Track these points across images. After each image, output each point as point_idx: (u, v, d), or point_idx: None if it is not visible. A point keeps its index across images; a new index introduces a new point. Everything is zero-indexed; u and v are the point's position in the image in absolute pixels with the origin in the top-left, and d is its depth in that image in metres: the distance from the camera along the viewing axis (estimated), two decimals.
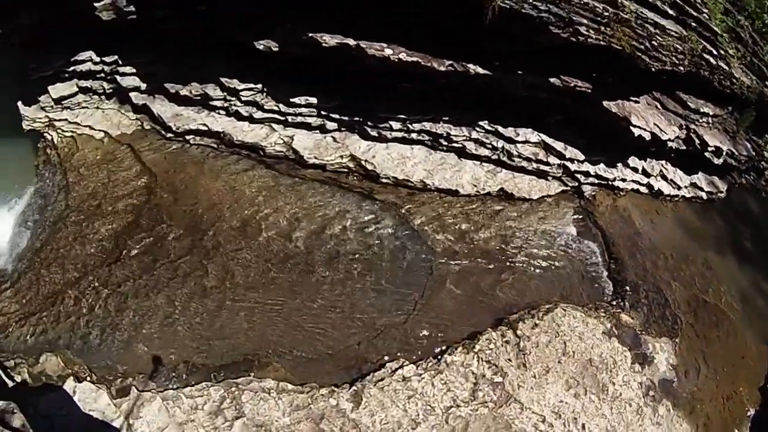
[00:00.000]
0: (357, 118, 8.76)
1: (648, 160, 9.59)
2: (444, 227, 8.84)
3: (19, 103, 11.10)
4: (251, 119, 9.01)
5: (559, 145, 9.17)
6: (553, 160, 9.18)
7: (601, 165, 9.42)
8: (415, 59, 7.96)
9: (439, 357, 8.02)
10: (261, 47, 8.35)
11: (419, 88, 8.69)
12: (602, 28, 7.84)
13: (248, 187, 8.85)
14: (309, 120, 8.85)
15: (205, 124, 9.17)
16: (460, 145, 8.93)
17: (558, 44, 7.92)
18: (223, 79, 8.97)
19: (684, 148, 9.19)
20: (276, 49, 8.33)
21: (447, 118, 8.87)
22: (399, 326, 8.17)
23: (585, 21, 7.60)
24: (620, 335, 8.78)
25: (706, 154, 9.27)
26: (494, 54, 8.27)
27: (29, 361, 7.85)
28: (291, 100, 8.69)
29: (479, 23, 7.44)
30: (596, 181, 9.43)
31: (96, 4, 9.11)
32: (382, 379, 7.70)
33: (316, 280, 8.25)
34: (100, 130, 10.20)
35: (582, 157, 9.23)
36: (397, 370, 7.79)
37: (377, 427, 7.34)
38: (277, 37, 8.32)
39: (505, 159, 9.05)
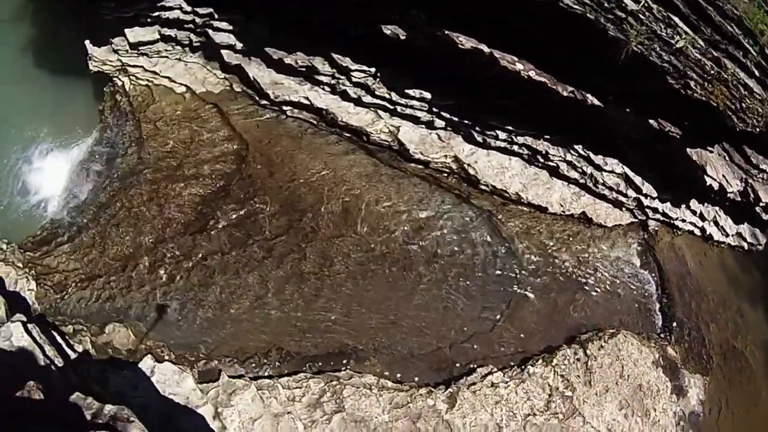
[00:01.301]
0: (466, 121, 8.56)
1: (706, 204, 10.35)
2: (531, 241, 8.93)
3: (87, 42, 9.94)
4: (358, 102, 8.50)
5: (638, 180, 9.59)
6: (630, 192, 9.59)
7: (668, 203, 9.99)
8: (542, 80, 7.92)
9: (523, 367, 8.18)
10: (388, 32, 7.87)
11: (528, 102, 8.70)
12: (706, 84, 8.31)
13: (349, 171, 8.37)
14: (418, 114, 8.52)
15: (307, 98, 8.52)
16: (555, 165, 9.05)
17: (666, 91, 8.33)
18: (335, 55, 8.37)
19: (739, 199, 10.02)
20: (403, 38, 7.92)
21: (548, 137, 8.95)
22: (486, 333, 8.18)
23: (695, 76, 8.02)
24: (665, 366, 9.44)
25: (757, 208, 10.18)
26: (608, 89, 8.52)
27: (92, 330, 7.07)
28: (405, 90, 8.32)
29: (608, 61, 7.60)
30: (661, 218, 9.99)
31: None
32: (474, 384, 7.70)
33: (414, 278, 8.02)
34: (181, 84, 9.21)
35: (655, 193, 9.72)
36: (486, 375, 7.82)
37: (467, 428, 7.34)
38: (406, 26, 7.92)
39: (590, 185, 9.32)
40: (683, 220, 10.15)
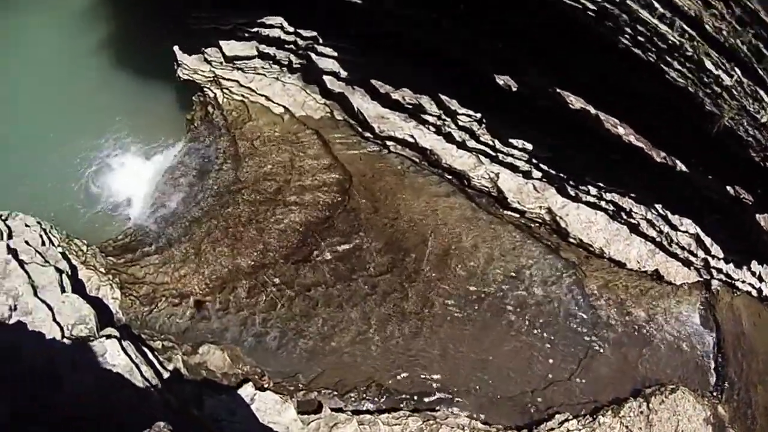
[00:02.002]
0: (561, 174, 9.18)
1: (765, 266, 11.25)
2: (609, 295, 9.61)
3: (176, 48, 10.21)
4: (462, 145, 9.00)
5: (708, 240, 10.37)
6: (700, 252, 10.36)
7: (732, 264, 10.84)
8: (640, 145, 8.60)
9: (594, 416, 8.91)
10: (501, 82, 8.42)
11: (621, 161, 9.39)
12: None
13: (449, 214, 8.88)
14: (518, 163, 9.07)
15: (412, 136, 8.99)
16: (636, 222, 9.75)
17: (746, 161, 9.13)
18: (442, 96, 8.86)
19: None
20: (514, 90, 8.47)
21: (633, 195, 9.65)
22: (564, 381, 8.87)
23: None
24: (714, 424, 10.31)
25: None
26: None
27: (184, 348, 7.33)
28: (509, 139, 8.88)
29: (701, 132, 8.34)
30: (724, 278, 10.80)
31: None
32: (552, 429, 8.38)
33: (504, 324, 8.60)
34: (279, 105, 9.54)
35: (722, 254, 10.53)
36: (563, 422, 8.49)
37: None
38: (518, 78, 8.46)
39: (665, 243, 10.05)
40: (743, 281, 11.00)
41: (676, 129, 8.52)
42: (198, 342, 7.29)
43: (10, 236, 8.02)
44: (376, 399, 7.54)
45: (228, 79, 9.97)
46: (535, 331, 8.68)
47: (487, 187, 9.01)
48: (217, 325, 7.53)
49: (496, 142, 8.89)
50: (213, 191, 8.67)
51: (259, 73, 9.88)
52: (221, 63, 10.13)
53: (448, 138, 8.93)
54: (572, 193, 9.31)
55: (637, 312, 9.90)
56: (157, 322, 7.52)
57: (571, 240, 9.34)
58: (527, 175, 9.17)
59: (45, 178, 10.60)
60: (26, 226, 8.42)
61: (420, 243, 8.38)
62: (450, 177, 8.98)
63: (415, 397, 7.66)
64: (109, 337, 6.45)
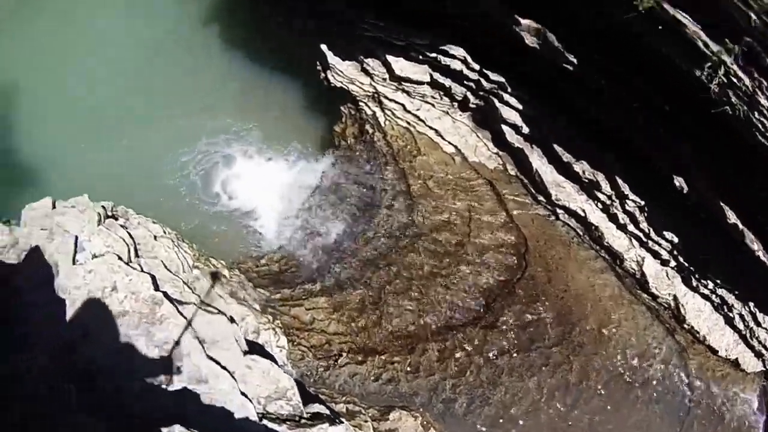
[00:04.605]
0: (691, 267, 11.65)
1: None
2: (703, 378, 12.45)
3: (325, 49, 10.58)
4: (622, 227, 10.93)
5: None
6: None
7: None
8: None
9: None
10: (677, 183, 10.58)
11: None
12: None
13: (602, 290, 10.75)
14: (661, 251, 11.25)
15: (583, 210, 10.67)
16: (732, 316, 12.66)
17: None
18: (618, 179, 10.74)
19: None
20: (684, 192, 10.67)
21: (737, 292, 12.53)
22: None
23: None
24: None
25: None
26: None
27: (370, 412, 8.03)
28: (663, 231, 11.07)
29: None
30: None
31: (520, 30, 10.12)
32: None
33: (632, 398, 10.84)
34: (449, 143, 10.58)
35: None
36: None
37: None
38: (690, 183, 10.63)
39: (748, 336, 13.12)
40: None
41: None
42: (386, 406, 8.07)
43: (136, 251, 8.05)
44: None
45: (391, 100, 10.74)
46: (653, 406, 11.17)
47: (633, 270, 11.16)
48: (405, 389, 8.38)
49: (651, 230, 11.06)
50: (386, 231, 9.52)
51: (427, 102, 10.83)
52: (385, 79, 10.87)
53: (612, 218, 10.87)
54: (694, 284, 11.86)
55: (717, 392, 12.97)
56: (337, 381, 8.10)
57: (685, 325, 11.96)
58: (665, 262, 11.51)
59: (165, 180, 10.62)
60: (154, 238, 8.57)
61: (581, 317, 10.25)
62: (605, 255, 11.00)
63: None
64: (332, 421, 5.98)
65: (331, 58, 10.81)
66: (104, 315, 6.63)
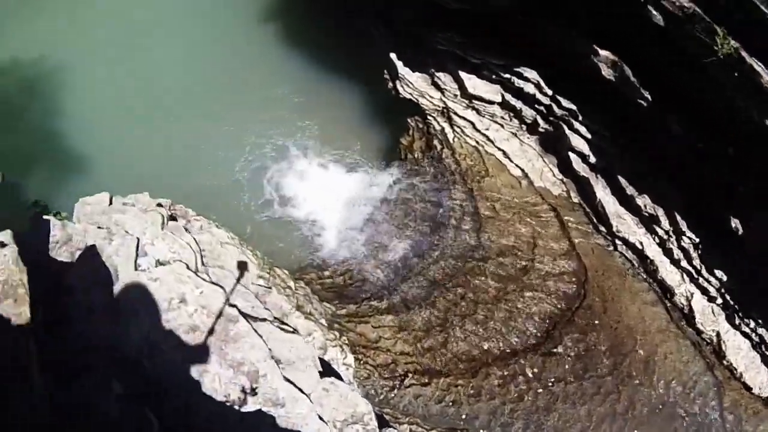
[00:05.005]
0: (735, 305, 12.16)
1: None
2: (735, 413, 13.04)
3: (395, 58, 10.82)
4: (676, 262, 11.40)
5: None
6: None
7: None
8: None
9: None
10: (732, 224, 11.03)
11: None
12: None
13: (652, 323, 11.18)
14: (710, 288, 11.76)
15: (641, 243, 11.04)
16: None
17: None
18: (677, 215, 11.16)
19: None
20: (738, 233, 11.13)
21: None
22: None
23: None
24: None
25: None
26: None
27: None
28: (714, 269, 11.53)
29: None
30: None
31: (598, 61, 10.45)
32: None
33: (671, 430, 11.42)
34: (517, 166, 10.93)
35: None
36: None
37: None
38: (745, 225, 11.09)
39: None
40: None
41: None
42: (448, 428, 8.36)
43: (202, 259, 7.86)
44: None
45: (461, 117, 11.04)
46: None
47: (682, 304, 11.63)
48: (467, 412, 8.69)
49: (703, 267, 11.54)
50: (453, 252, 9.88)
51: (496, 122, 11.15)
52: (456, 96, 11.16)
53: (668, 253, 11.28)
54: (737, 322, 12.41)
55: (749, 429, 13.59)
56: (401, 401, 8.32)
57: (724, 362, 12.51)
58: (712, 299, 11.99)
59: (221, 180, 10.81)
60: (220, 245, 8.69)
61: (632, 348, 10.70)
62: (657, 288, 11.47)
63: None
64: None
65: (401, 69, 11.04)
66: (171, 328, 6.43)
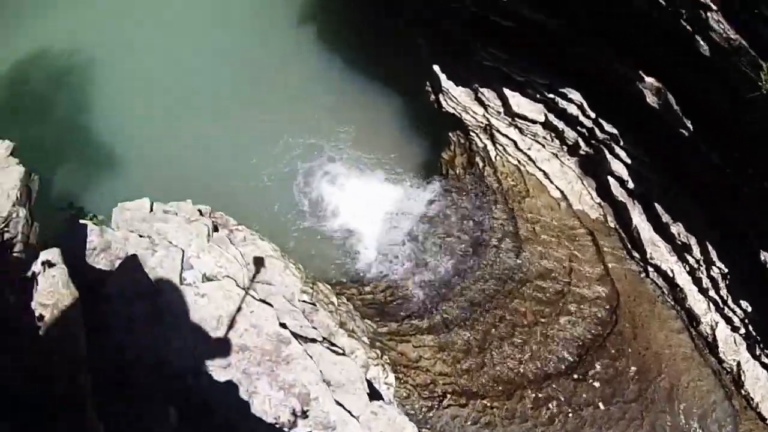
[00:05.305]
0: (758, 336, 12.49)
1: None
2: None
3: (438, 70, 10.87)
4: (704, 291, 11.69)
5: None
6: None
7: None
8: None
9: None
10: (762, 258, 11.31)
11: None
12: None
13: (677, 350, 11.44)
14: (734, 318, 12.08)
15: (672, 270, 11.27)
16: None
17: None
18: (708, 244, 11.42)
19: None
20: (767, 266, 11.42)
21: None
22: None
23: None
24: None
25: None
26: None
27: None
28: (740, 299, 11.83)
29: None
30: None
31: (643, 87, 10.64)
32: None
33: None
34: (557, 188, 11.10)
35: None
36: None
37: None
38: None
39: None
40: None
41: None
42: None
43: (252, 275, 7.75)
44: None
45: (504, 135, 11.16)
46: None
47: (707, 333, 11.91)
48: None
49: (729, 298, 11.84)
50: (494, 273, 10.03)
51: (538, 142, 11.29)
52: (499, 113, 11.28)
53: (697, 281, 11.56)
54: (757, 352, 12.76)
55: None
56: (439, 421, 8.45)
57: (742, 391, 12.86)
58: (735, 329, 12.32)
59: (257, 186, 10.79)
60: (266, 258, 8.54)
61: (657, 375, 10.95)
62: (684, 316, 11.75)
63: None
64: None
65: (445, 82, 11.09)
66: (220, 347, 6.40)
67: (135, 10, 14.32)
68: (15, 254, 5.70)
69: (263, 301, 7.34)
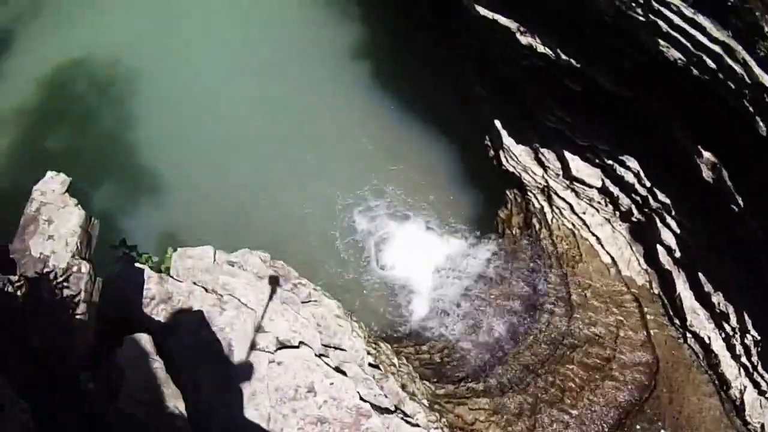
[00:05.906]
0: None
1: None
2: None
3: (500, 126, 11.34)
4: (737, 357, 12.51)
5: None
6: None
7: None
8: None
9: None
10: None
11: None
12: None
13: (707, 414, 12.33)
14: (762, 383, 12.96)
15: (709, 338, 12.04)
16: None
17: None
18: (746, 314, 12.19)
19: None
20: None
21: None
22: None
23: None
24: None
25: None
26: None
27: None
28: None
29: None
30: None
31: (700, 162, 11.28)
32: None
33: None
34: (607, 253, 11.75)
35: None
36: None
37: None
38: None
39: None
40: None
41: None
42: None
43: (321, 339, 7.89)
44: None
45: (561, 197, 11.75)
46: None
47: (735, 397, 12.80)
48: None
49: (759, 363, 12.71)
50: (546, 337, 10.67)
51: (592, 206, 11.88)
52: (558, 175, 11.86)
53: (731, 348, 12.44)
54: None
55: None
56: None
57: None
58: (762, 392, 13.24)
59: (309, 235, 11.03)
60: (335, 319, 8.50)
61: None
62: (716, 380, 12.59)
63: None
64: None
65: (506, 139, 11.52)
66: (298, 419, 6.49)
67: (185, 26, 14.47)
68: (78, 316, 5.12)
69: (338, 369, 7.58)
